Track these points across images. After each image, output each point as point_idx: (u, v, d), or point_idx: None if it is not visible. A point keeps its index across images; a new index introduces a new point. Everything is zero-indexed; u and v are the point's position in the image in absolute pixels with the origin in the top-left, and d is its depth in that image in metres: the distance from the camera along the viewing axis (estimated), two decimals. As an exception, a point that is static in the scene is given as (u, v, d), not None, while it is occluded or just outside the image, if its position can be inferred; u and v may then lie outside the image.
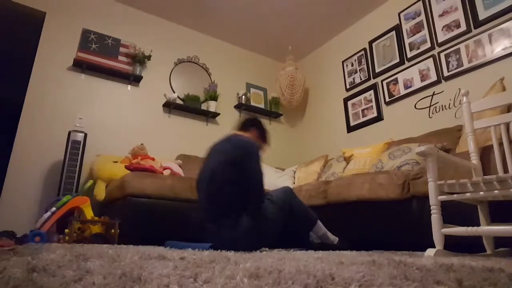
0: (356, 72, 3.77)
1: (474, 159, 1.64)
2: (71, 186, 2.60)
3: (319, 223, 1.97)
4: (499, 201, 1.48)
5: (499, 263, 0.91)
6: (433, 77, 2.94)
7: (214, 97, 3.81)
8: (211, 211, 1.71)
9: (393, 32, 3.38)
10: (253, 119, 2.15)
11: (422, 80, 3.04)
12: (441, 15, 2.95)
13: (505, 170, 1.55)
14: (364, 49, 3.71)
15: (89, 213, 2.22)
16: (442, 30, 2.92)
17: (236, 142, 1.81)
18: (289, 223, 1.84)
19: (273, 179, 3.46)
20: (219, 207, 1.68)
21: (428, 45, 3.02)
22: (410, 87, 3.13)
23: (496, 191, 1.27)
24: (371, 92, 3.52)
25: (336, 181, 2.44)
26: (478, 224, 1.50)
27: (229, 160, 1.70)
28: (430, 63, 2.99)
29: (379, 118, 3.40)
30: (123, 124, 3.32)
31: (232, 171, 1.68)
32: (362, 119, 3.58)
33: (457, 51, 2.77)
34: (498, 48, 2.50)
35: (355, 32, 3.89)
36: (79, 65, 3.17)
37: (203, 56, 4.04)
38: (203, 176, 1.82)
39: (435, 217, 1.41)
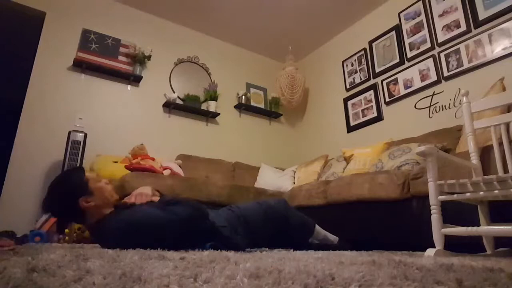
0: (356, 72, 3.77)
1: (474, 159, 1.64)
2: (71, 186, 2.59)
3: (317, 227, 1.92)
4: (499, 201, 1.48)
5: (499, 263, 0.90)
6: (433, 77, 2.94)
7: (214, 97, 3.81)
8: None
9: (393, 32, 3.38)
10: (60, 196, 1.40)
11: (422, 80, 3.04)
12: (441, 15, 2.95)
13: (505, 170, 1.55)
14: (364, 49, 3.71)
15: (89, 213, 2.21)
16: (442, 30, 2.92)
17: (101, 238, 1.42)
18: (287, 234, 1.80)
19: (273, 179, 3.46)
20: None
21: (428, 45, 3.02)
22: (410, 87, 3.13)
23: (496, 191, 1.27)
24: (371, 92, 3.52)
25: (336, 181, 2.44)
26: (478, 224, 1.50)
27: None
28: (430, 63, 2.99)
29: (379, 118, 3.40)
30: (123, 124, 3.32)
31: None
32: (362, 119, 3.58)
33: (457, 51, 2.77)
34: (498, 48, 2.50)
35: (355, 32, 3.89)
36: (79, 65, 3.17)
37: (203, 56, 4.04)
38: None
39: (435, 217, 1.41)
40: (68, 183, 1.41)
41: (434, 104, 2.92)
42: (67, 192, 1.39)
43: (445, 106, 2.83)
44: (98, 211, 1.42)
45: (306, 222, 1.90)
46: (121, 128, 3.29)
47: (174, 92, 3.66)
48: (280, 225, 1.76)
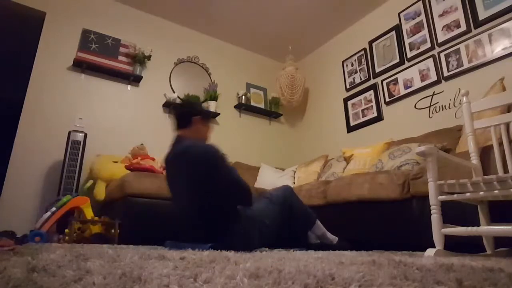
0: (356, 72, 3.76)
1: (474, 159, 1.64)
2: (71, 186, 2.60)
3: (318, 222, 1.97)
4: (499, 201, 1.48)
5: (499, 263, 0.91)
6: (433, 77, 2.94)
7: (214, 97, 3.81)
8: (200, 227, 1.63)
9: (393, 32, 3.38)
10: (188, 108, 1.93)
11: (422, 80, 3.04)
12: (441, 15, 2.95)
13: (505, 170, 1.55)
14: (364, 49, 3.71)
15: (89, 213, 2.22)
16: (442, 30, 2.92)
17: (191, 157, 1.63)
18: (288, 222, 1.85)
19: (273, 179, 3.46)
20: (207, 222, 1.60)
21: (428, 45, 3.02)
22: (410, 87, 3.13)
23: (496, 191, 1.27)
24: (371, 92, 3.52)
25: (336, 181, 2.44)
26: (478, 224, 1.50)
27: (194, 179, 1.60)
28: (430, 63, 2.99)
29: (379, 118, 3.40)
30: (123, 124, 3.32)
31: (204, 188, 1.58)
32: (362, 119, 3.58)
33: (457, 51, 2.77)
34: (498, 48, 2.50)
35: (355, 32, 3.89)
36: (79, 65, 3.17)
37: (203, 56, 4.04)
38: (176, 200, 1.77)
39: (435, 217, 1.41)
40: (197, 105, 2.07)
41: (434, 104, 2.92)
42: (194, 107, 1.95)
43: (445, 106, 2.83)
44: (197, 135, 1.82)
45: (308, 213, 1.96)
46: (121, 128, 3.29)
47: (174, 92, 3.65)
48: (285, 211, 1.82)
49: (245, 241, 1.57)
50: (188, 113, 1.86)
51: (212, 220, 1.59)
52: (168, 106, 3.59)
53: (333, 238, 2.00)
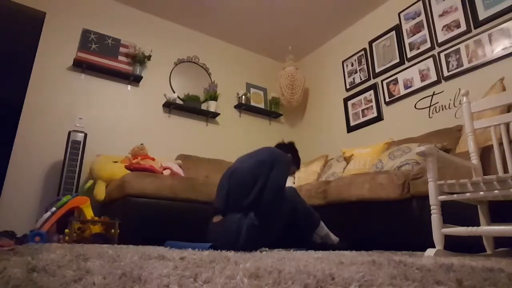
0: (356, 72, 3.77)
1: (474, 159, 1.64)
2: (71, 186, 2.60)
3: (322, 223, 1.99)
4: (499, 201, 1.48)
5: (499, 263, 0.91)
6: (433, 77, 2.94)
7: (214, 97, 3.81)
8: (225, 202, 1.73)
9: (393, 32, 3.38)
10: (291, 145, 2.21)
11: (422, 80, 3.04)
12: (441, 15, 2.95)
13: (505, 170, 1.55)
14: (364, 49, 3.71)
15: (89, 213, 2.22)
16: (442, 30, 2.92)
17: (272, 150, 1.89)
18: (293, 223, 1.85)
19: (273, 179, 3.46)
20: (235, 199, 1.70)
21: (428, 45, 3.02)
22: (410, 87, 3.13)
23: (496, 191, 1.27)
24: (371, 92, 3.52)
25: (336, 181, 2.44)
26: (478, 224, 1.50)
27: (260, 159, 1.78)
28: (430, 63, 2.99)
29: (379, 118, 3.40)
30: (123, 124, 3.32)
31: (260, 168, 1.72)
32: (362, 119, 3.58)
33: (457, 51, 2.77)
34: (498, 48, 2.50)
35: (355, 32, 3.89)
36: (79, 65, 3.17)
37: (203, 56, 4.04)
38: (232, 169, 1.87)
39: (435, 217, 1.41)
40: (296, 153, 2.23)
41: (434, 104, 2.92)
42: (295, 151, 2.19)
43: (445, 106, 2.83)
44: None
45: (312, 214, 1.98)
46: (121, 128, 3.29)
47: (174, 92, 3.65)
48: (290, 213, 1.83)
49: (248, 242, 1.58)
50: (287, 147, 2.19)
51: (247, 198, 1.72)
52: (168, 106, 3.59)
53: (335, 239, 2.01)
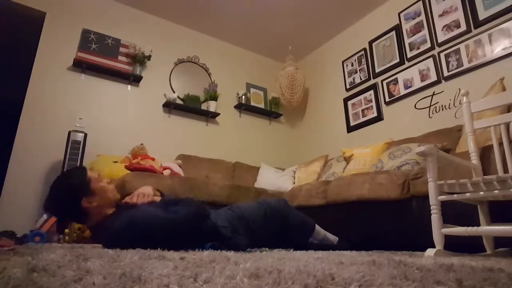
0: (356, 72, 3.77)
1: (474, 159, 1.64)
2: (71, 186, 2.59)
3: (317, 227, 1.92)
4: (499, 201, 1.48)
5: (499, 263, 0.91)
6: (433, 77, 2.94)
7: (214, 97, 3.81)
8: None
9: (393, 32, 3.38)
10: (62, 197, 1.40)
11: (422, 80, 3.04)
12: (441, 15, 2.95)
13: (505, 170, 1.55)
14: (364, 49, 3.71)
15: (89, 213, 2.21)
16: (442, 30, 2.92)
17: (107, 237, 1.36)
18: (287, 234, 1.80)
19: (273, 179, 3.46)
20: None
21: (428, 45, 3.02)
22: (410, 87, 3.13)
23: (496, 191, 1.27)
24: (371, 92, 3.52)
25: (336, 181, 2.44)
26: (478, 224, 1.50)
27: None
28: (430, 63, 2.99)
29: (379, 118, 3.40)
30: (123, 124, 3.32)
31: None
32: (362, 119, 3.58)
33: (457, 51, 2.77)
34: (498, 48, 2.50)
35: (355, 32, 3.89)
36: (79, 65, 3.17)
37: (203, 56, 4.04)
38: None
39: (435, 217, 1.41)
40: (70, 184, 1.40)
41: (434, 104, 2.92)
42: (69, 192, 1.37)
43: (445, 106, 2.83)
44: (100, 211, 1.42)
45: (306, 222, 1.90)
46: (121, 128, 3.29)
47: (174, 92, 3.66)
48: (280, 224, 1.76)
49: (231, 244, 1.49)
50: (67, 205, 1.39)
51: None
52: (168, 106, 3.59)
53: (334, 239, 2.00)
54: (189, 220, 1.41)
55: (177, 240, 1.36)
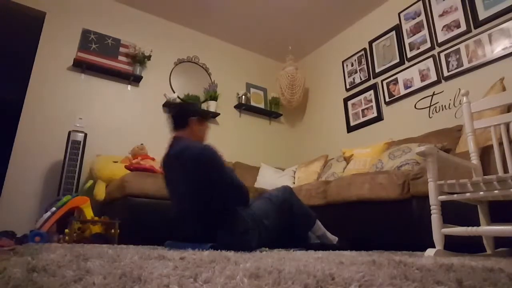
0: (356, 72, 3.76)
1: (474, 159, 1.64)
2: (71, 186, 2.60)
3: (318, 223, 1.96)
4: (499, 201, 1.48)
5: (499, 263, 0.91)
6: (433, 77, 2.94)
7: (214, 97, 3.81)
8: (199, 228, 1.63)
9: (393, 32, 3.38)
10: (185, 109, 1.96)
11: (422, 80, 3.04)
12: (441, 15, 2.95)
13: (505, 170, 1.55)
14: (364, 49, 3.71)
15: (89, 213, 2.22)
16: (442, 30, 2.92)
17: (187, 159, 1.63)
18: (288, 222, 1.84)
19: (273, 179, 3.46)
20: (206, 223, 1.60)
21: (428, 45, 3.02)
22: (410, 87, 3.13)
23: (496, 191, 1.27)
24: (371, 92, 3.52)
25: (336, 181, 2.44)
26: (478, 224, 1.50)
27: (192, 180, 1.62)
28: (430, 63, 2.99)
29: (379, 118, 3.40)
30: (123, 124, 3.32)
31: (202, 190, 1.60)
32: (362, 119, 3.58)
33: (457, 51, 2.77)
34: (498, 48, 2.50)
35: (355, 32, 3.89)
36: (79, 65, 3.17)
37: (203, 56, 4.04)
38: (174, 201, 1.79)
39: (435, 217, 1.41)
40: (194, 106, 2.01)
41: (434, 104, 2.92)
42: (190, 107, 1.99)
43: (445, 106, 2.83)
44: (193, 136, 1.82)
45: (308, 212, 1.95)
46: (121, 128, 3.29)
47: (174, 92, 3.65)
48: (285, 212, 1.80)
49: (244, 241, 1.56)
50: (184, 114, 1.86)
51: (210, 220, 1.59)
52: (168, 106, 3.59)
53: (333, 238, 2.00)
54: (242, 185, 1.67)
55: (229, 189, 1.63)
